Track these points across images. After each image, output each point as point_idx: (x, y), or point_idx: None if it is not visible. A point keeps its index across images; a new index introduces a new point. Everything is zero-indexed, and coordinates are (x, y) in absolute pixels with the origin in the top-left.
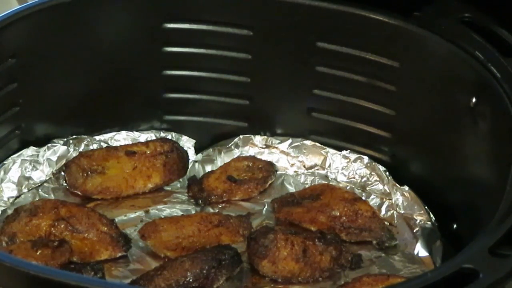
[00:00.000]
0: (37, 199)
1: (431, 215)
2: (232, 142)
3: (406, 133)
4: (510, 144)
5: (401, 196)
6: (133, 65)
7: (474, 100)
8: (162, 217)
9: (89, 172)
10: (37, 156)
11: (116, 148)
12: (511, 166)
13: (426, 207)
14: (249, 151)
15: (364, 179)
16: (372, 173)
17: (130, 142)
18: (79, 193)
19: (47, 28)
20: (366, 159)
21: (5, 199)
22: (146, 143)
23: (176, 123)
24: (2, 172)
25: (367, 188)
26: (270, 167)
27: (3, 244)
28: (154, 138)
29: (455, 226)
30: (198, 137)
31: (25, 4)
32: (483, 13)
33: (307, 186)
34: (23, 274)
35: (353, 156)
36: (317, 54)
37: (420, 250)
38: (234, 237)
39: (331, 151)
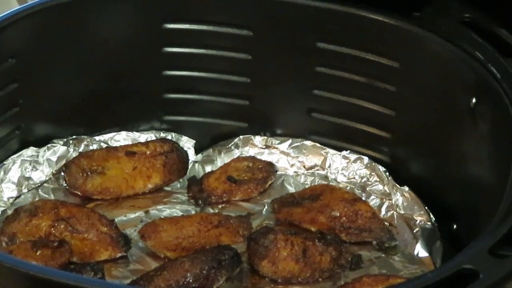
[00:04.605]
0: (37, 199)
1: (431, 216)
2: (232, 143)
3: (406, 133)
4: (510, 144)
5: (401, 197)
6: (133, 65)
7: (474, 100)
8: (162, 217)
9: (89, 173)
10: (37, 156)
11: (116, 148)
12: (511, 166)
13: (426, 208)
14: (249, 151)
15: (364, 179)
16: (372, 173)
17: (130, 143)
18: (79, 193)
19: (47, 28)
20: (366, 159)
21: (5, 199)
22: (146, 143)
23: (176, 123)
24: (2, 173)
25: (367, 189)
26: (270, 167)
27: (3, 245)
28: (154, 138)
29: (455, 226)
30: (198, 137)
31: (25, 4)
32: (483, 13)
33: (307, 186)
34: (23, 275)
35: (353, 156)
36: (317, 54)
37: (420, 251)
38: (234, 238)
39: (331, 151)
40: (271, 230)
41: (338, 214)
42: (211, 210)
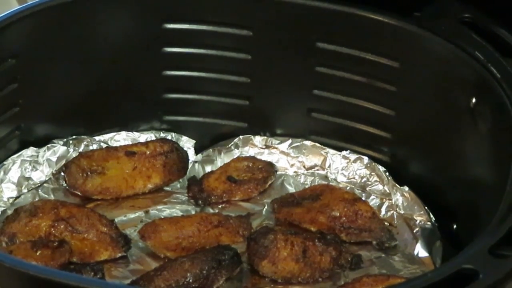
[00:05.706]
0: (37, 199)
1: (431, 216)
2: (232, 143)
3: (406, 133)
4: (510, 144)
5: (401, 197)
6: (133, 65)
7: (474, 100)
8: (162, 217)
9: (89, 173)
10: (37, 156)
11: (116, 148)
12: (511, 166)
13: (426, 208)
14: (249, 151)
15: (364, 179)
16: (372, 173)
17: (130, 143)
18: (79, 193)
19: (47, 28)
20: (366, 159)
21: (5, 199)
22: (146, 143)
23: (176, 123)
24: (2, 173)
25: (367, 189)
26: (270, 167)
27: (3, 245)
28: (154, 138)
29: (455, 226)
30: (198, 137)
31: (25, 4)
32: (483, 13)
33: (307, 186)
34: (23, 275)
35: (353, 156)
36: (317, 54)
37: (420, 251)
38: (234, 238)
39: (331, 151)
40: (271, 230)
41: (338, 214)
42: (211, 210)
